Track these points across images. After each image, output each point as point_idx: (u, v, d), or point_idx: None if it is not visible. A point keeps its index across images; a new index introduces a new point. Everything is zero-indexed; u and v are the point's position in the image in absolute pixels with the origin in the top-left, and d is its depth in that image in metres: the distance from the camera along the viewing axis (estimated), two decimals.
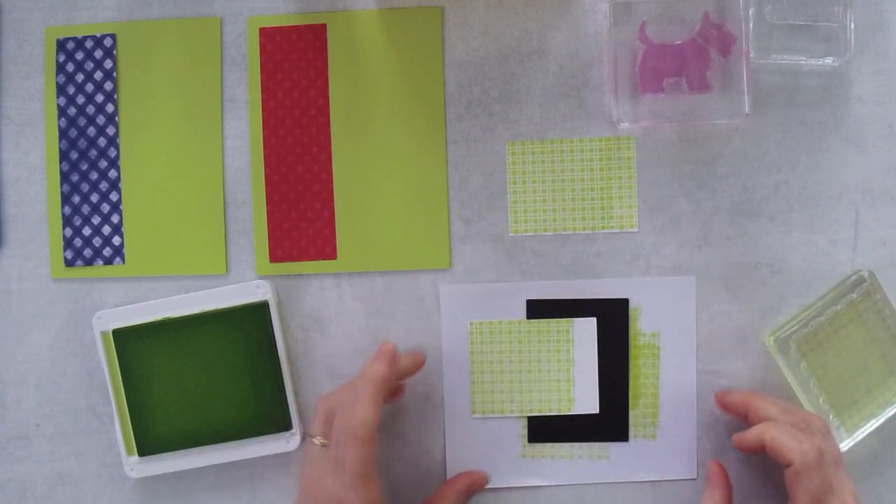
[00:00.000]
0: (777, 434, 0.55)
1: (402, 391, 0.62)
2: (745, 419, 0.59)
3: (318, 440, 0.55)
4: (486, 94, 0.63)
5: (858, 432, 0.60)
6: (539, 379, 0.63)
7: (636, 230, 0.63)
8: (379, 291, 0.63)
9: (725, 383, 0.62)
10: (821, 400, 0.60)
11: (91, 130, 0.64)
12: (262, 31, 0.64)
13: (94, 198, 0.64)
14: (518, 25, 0.63)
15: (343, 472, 0.53)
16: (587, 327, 0.62)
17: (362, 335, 0.63)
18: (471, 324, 0.63)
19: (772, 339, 0.60)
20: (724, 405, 0.61)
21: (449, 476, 0.63)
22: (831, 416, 0.60)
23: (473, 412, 0.63)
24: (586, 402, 0.62)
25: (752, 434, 0.56)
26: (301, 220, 0.63)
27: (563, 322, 0.62)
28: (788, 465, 0.54)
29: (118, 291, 0.64)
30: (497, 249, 0.63)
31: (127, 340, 0.62)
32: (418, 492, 0.63)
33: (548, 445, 0.63)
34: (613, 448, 0.63)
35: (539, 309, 0.63)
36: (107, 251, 0.64)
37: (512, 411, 0.63)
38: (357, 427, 0.53)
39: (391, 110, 0.63)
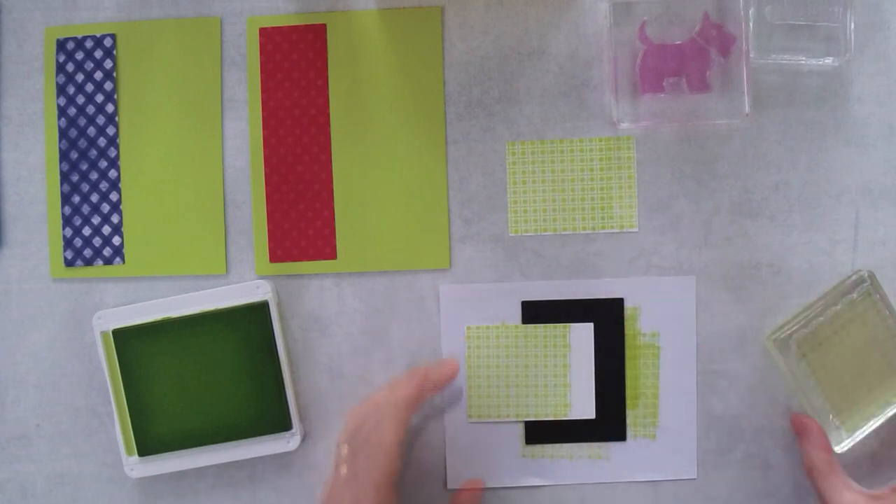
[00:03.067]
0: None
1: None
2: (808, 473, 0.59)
3: (345, 448, 0.56)
4: (486, 94, 0.63)
5: (858, 432, 0.60)
6: (536, 384, 0.63)
7: (636, 230, 0.63)
8: (379, 291, 0.63)
9: (725, 383, 0.62)
10: (821, 400, 0.60)
11: (91, 130, 0.64)
12: (262, 31, 0.64)
13: (94, 198, 0.64)
14: (518, 25, 0.63)
15: (357, 484, 0.54)
16: (584, 332, 0.62)
17: (362, 335, 0.63)
18: (468, 328, 0.63)
19: (772, 338, 0.60)
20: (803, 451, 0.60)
21: (449, 475, 0.63)
22: (831, 416, 0.60)
23: (470, 416, 0.63)
24: (583, 407, 0.62)
25: None
26: (301, 220, 0.63)
27: (559, 327, 0.62)
28: None
29: (118, 291, 0.64)
30: (497, 249, 0.63)
31: (127, 340, 0.62)
32: (419, 492, 0.63)
33: (547, 446, 0.63)
34: (613, 448, 0.63)
35: (535, 310, 0.63)
36: (107, 251, 0.64)
37: (508, 416, 0.63)
38: (377, 446, 0.55)
39: (391, 110, 0.63)
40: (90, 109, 0.64)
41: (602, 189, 0.63)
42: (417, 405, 0.57)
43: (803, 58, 0.62)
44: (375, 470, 0.55)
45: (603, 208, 0.63)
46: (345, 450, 0.56)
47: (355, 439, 0.56)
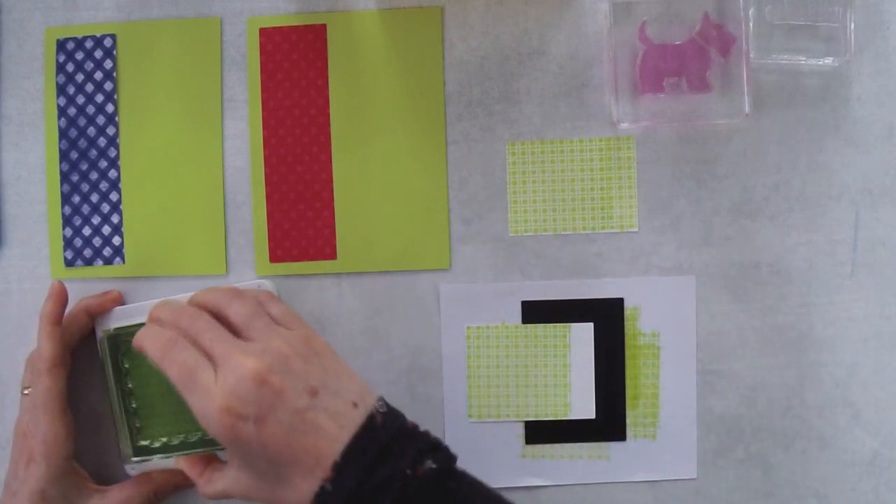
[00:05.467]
0: (139, 336, 0.53)
1: (87, 326, 0.62)
2: None
3: (26, 390, 0.59)
4: (486, 94, 0.63)
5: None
6: (536, 384, 0.63)
7: (636, 230, 0.63)
8: (379, 291, 0.63)
9: (725, 383, 0.62)
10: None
11: (91, 130, 0.64)
12: (262, 31, 0.64)
13: (94, 198, 0.64)
14: (518, 25, 0.63)
15: (34, 407, 0.57)
16: (584, 332, 0.62)
17: (362, 335, 0.63)
18: (468, 328, 0.63)
19: None
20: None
21: None
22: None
23: (470, 416, 0.63)
24: (583, 407, 0.62)
25: (134, 341, 0.54)
26: (301, 220, 0.63)
27: (559, 327, 0.62)
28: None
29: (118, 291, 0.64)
30: (497, 250, 0.63)
31: (128, 340, 0.62)
32: None
33: (547, 446, 0.63)
34: (613, 448, 0.63)
35: (535, 310, 0.63)
36: (107, 251, 0.64)
37: (508, 416, 0.63)
38: (37, 361, 0.58)
39: (391, 110, 0.63)
40: (90, 109, 0.64)
41: (602, 189, 0.63)
42: (57, 318, 0.59)
43: (803, 58, 0.62)
44: (43, 391, 0.57)
45: (603, 208, 0.63)
46: (26, 376, 0.59)
47: (28, 360, 0.59)
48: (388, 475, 0.47)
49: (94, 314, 0.62)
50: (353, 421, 0.48)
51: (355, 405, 0.49)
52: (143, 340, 0.52)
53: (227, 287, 0.56)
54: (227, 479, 0.52)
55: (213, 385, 0.48)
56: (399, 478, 0.47)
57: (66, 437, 0.57)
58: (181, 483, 0.61)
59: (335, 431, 0.48)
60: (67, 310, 0.61)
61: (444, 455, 0.49)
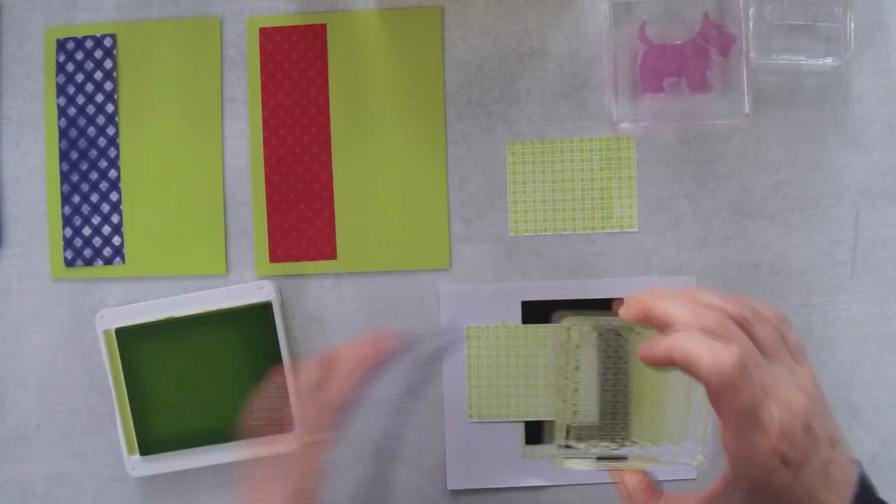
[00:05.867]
0: (687, 350, 0.43)
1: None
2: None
3: (318, 368, 0.54)
4: (486, 94, 0.63)
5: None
6: (536, 384, 0.63)
7: (636, 230, 0.63)
8: (379, 291, 0.63)
9: None
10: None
11: (91, 130, 0.64)
12: (262, 31, 0.64)
13: (94, 198, 0.64)
14: (518, 25, 0.63)
15: (322, 411, 0.53)
16: (586, 342, 0.62)
17: (362, 335, 0.63)
18: (468, 328, 0.63)
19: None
20: (628, 319, 0.50)
21: (449, 476, 0.63)
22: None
23: (470, 416, 0.63)
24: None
25: (658, 350, 0.44)
26: (301, 220, 0.63)
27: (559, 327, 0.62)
28: (707, 385, 0.43)
29: (118, 291, 0.64)
30: (497, 249, 0.63)
31: (130, 339, 0.62)
32: (419, 493, 0.63)
33: (548, 446, 0.63)
34: None
35: (535, 310, 0.62)
36: (107, 251, 0.64)
37: (508, 416, 0.63)
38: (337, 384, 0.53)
39: (391, 110, 0.63)
40: (90, 109, 0.64)
41: (602, 189, 0.63)
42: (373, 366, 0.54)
43: (803, 58, 0.62)
44: (331, 413, 0.52)
45: (603, 208, 0.63)
46: (316, 372, 0.54)
47: (325, 361, 0.54)
48: None
49: (375, 367, 0.56)
50: (852, 478, 0.45)
51: (853, 460, 0.45)
52: (719, 357, 0.42)
53: (743, 296, 0.47)
54: None
55: (770, 422, 0.42)
56: None
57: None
58: None
59: (843, 488, 0.44)
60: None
61: None
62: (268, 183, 0.64)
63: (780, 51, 0.62)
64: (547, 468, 0.63)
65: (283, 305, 0.63)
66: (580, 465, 0.52)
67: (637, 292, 0.48)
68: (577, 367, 0.52)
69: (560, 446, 0.51)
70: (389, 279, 0.63)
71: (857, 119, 0.63)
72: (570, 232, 0.63)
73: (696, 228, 0.63)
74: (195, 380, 0.62)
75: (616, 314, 0.50)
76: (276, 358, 0.62)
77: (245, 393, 0.62)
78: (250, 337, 0.62)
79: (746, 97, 0.60)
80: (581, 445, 0.52)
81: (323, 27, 0.64)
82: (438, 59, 0.63)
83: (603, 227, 0.63)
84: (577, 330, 0.52)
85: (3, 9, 0.64)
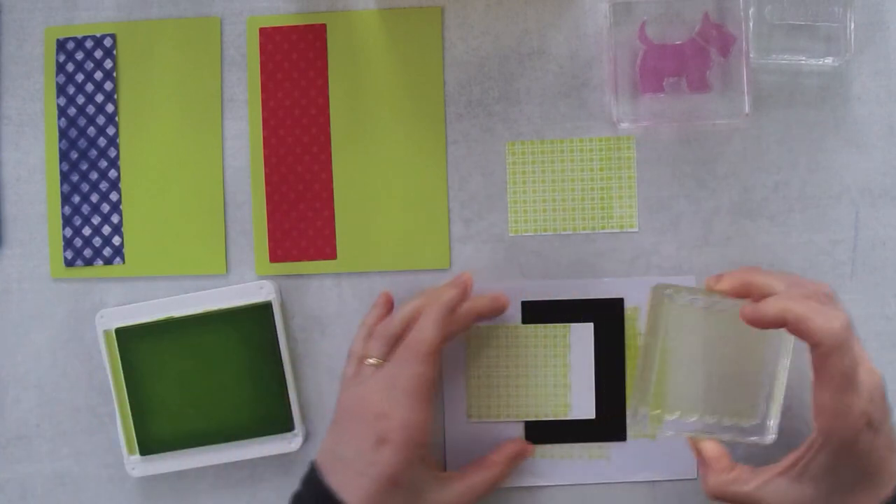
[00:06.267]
0: (802, 311, 0.48)
1: (468, 327, 0.60)
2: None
3: (373, 360, 0.55)
4: (486, 94, 0.63)
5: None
6: (536, 384, 0.63)
7: (636, 230, 0.63)
8: (379, 291, 0.63)
9: None
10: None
11: (91, 130, 0.64)
12: (262, 31, 0.64)
13: (94, 198, 0.64)
14: (518, 25, 0.63)
15: (393, 388, 0.53)
16: (584, 332, 0.62)
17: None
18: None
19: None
20: (721, 291, 0.55)
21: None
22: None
23: (470, 416, 0.63)
24: (583, 407, 0.62)
25: (771, 310, 0.49)
26: (301, 220, 0.64)
27: (559, 327, 0.62)
28: (817, 345, 0.48)
29: (118, 291, 0.64)
30: (497, 249, 0.63)
31: (130, 339, 0.62)
32: None
33: (547, 446, 0.63)
34: (613, 448, 0.63)
35: (535, 310, 0.62)
36: (107, 251, 0.64)
37: (508, 416, 0.63)
38: (416, 344, 0.53)
39: (391, 110, 0.63)
40: (90, 109, 0.64)
41: (602, 189, 0.63)
42: (454, 309, 0.56)
43: (803, 58, 0.62)
44: (412, 376, 0.53)
45: (603, 208, 0.63)
46: (374, 361, 0.55)
47: (387, 348, 0.55)
48: None
49: (483, 317, 0.59)
50: None
51: None
52: (831, 320, 0.48)
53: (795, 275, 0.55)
54: (770, 486, 0.52)
55: (862, 385, 0.48)
56: None
57: (428, 426, 0.53)
58: (516, 463, 0.59)
59: None
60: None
61: None
62: (268, 183, 0.64)
63: (780, 51, 0.62)
64: (547, 468, 0.63)
65: (283, 305, 0.63)
66: (663, 432, 0.56)
67: (730, 272, 0.54)
68: (670, 335, 0.55)
69: (644, 415, 0.56)
70: (389, 279, 0.63)
71: (857, 119, 0.63)
72: (570, 232, 0.63)
73: (696, 228, 0.63)
74: (195, 380, 0.62)
75: (708, 289, 0.54)
76: (276, 358, 0.62)
77: (245, 393, 0.62)
78: (250, 337, 0.62)
79: (746, 97, 0.60)
80: (667, 415, 0.56)
81: (323, 27, 0.64)
82: (438, 59, 0.63)
83: (603, 227, 0.63)
84: (676, 299, 0.55)
85: (3, 9, 0.64)
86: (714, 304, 0.56)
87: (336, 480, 0.53)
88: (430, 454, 0.57)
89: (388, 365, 0.55)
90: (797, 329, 0.48)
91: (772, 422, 0.56)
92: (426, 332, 0.54)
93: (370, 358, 0.56)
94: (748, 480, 0.52)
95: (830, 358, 0.47)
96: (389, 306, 0.61)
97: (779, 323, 0.49)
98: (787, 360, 0.56)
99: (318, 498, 0.53)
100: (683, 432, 0.57)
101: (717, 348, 0.57)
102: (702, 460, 0.55)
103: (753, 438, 0.56)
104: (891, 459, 0.50)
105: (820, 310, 0.48)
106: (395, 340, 0.56)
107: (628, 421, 0.61)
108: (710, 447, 0.55)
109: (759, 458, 0.56)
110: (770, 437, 0.56)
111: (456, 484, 0.56)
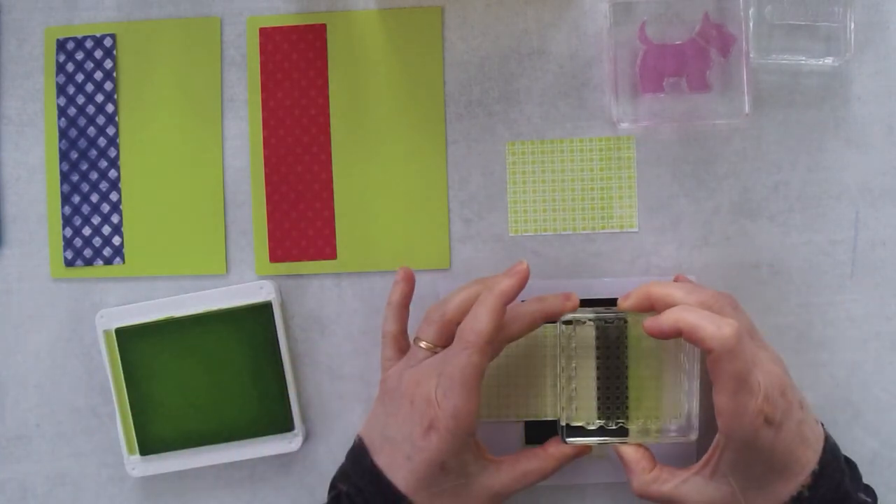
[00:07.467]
0: (693, 320, 0.51)
1: (536, 328, 0.59)
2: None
3: (424, 344, 0.56)
4: (486, 94, 0.63)
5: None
6: (536, 384, 0.62)
7: (636, 230, 0.63)
8: (379, 291, 0.63)
9: None
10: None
11: (91, 130, 0.64)
12: (262, 31, 0.64)
13: (94, 198, 0.64)
14: (518, 25, 0.63)
15: (445, 375, 0.53)
16: (585, 333, 0.62)
17: (362, 335, 0.63)
18: None
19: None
20: (628, 308, 0.57)
21: None
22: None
23: None
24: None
25: (666, 321, 0.52)
26: (301, 220, 0.64)
27: (560, 327, 0.62)
28: (709, 351, 0.50)
29: (118, 291, 0.64)
30: (497, 249, 0.63)
31: (130, 339, 0.62)
32: None
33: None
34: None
35: None
36: (107, 251, 0.64)
37: (508, 416, 0.62)
38: (470, 334, 0.53)
39: (391, 110, 0.63)
40: (90, 109, 0.64)
41: (602, 189, 0.63)
42: (511, 300, 0.55)
43: (803, 58, 0.62)
44: (466, 366, 0.52)
45: (603, 208, 0.63)
46: (424, 345, 0.56)
47: (440, 334, 0.56)
48: (846, 491, 0.53)
49: (551, 318, 0.58)
50: (820, 434, 0.54)
51: (817, 421, 0.55)
52: (721, 327, 0.50)
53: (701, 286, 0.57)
54: (687, 485, 0.54)
55: (756, 386, 0.50)
56: (854, 498, 0.53)
57: (476, 414, 0.54)
58: (570, 460, 0.59)
59: (814, 442, 0.53)
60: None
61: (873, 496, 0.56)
62: (268, 183, 0.64)
63: (780, 51, 0.62)
64: None
65: (283, 305, 0.63)
66: (585, 442, 0.58)
67: (635, 289, 0.56)
68: (575, 357, 0.59)
69: (564, 426, 0.58)
70: (389, 279, 0.63)
71: (857, 119, 0.63)
72: (570, 232, 0.63)
73: (696, 228, 0.63)
74: (195, 380, 0.62)
75: (618, 308, 0.57)
76: (276, 358, 0.62)
77: (245, 393, 0.62)
78: (250, 337, 0.62)
79: (746, 97, 0.60)
80: (583, 424, 0.59)
81: (323, 27, 0.64)
82: (438, 59, 0.63)
83: (603, 227, 0.63)
84: (576, 324, 0.58)
85: (3, 9, 0.64)
86: (617, 320, 0.58)
87: (384, 461, 0.54)
88: (478, 440, 0.57)
89: (442, 352, 0.55)
90: (691, 337, 0.51)
91: (694, 420, 0.58)
92: (480, 322, 0.53)
93: (422, 342, 0.56)
94: (668, 480, 0.55)
95: (722, 362, 0.50)
96: (411, 282, 0.59)
97: (675, 333, 0.52)
98: (699, 364, 0.57)
99: (367, 477, 0.54)
100: (602, 440, 0.59)
101: (633, 359, 0.59)
102: (625, 463, 0.57)
103: (679, 437, 0.58)
104: (800, 451, 0.52)
105: (711, 317, 0.51)
106: (449, 325, 0.56)
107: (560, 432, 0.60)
108: (630, 451, 0.57)
109: None
110: (693, 434, 0.58)
111: (507, 469, 0.57)
